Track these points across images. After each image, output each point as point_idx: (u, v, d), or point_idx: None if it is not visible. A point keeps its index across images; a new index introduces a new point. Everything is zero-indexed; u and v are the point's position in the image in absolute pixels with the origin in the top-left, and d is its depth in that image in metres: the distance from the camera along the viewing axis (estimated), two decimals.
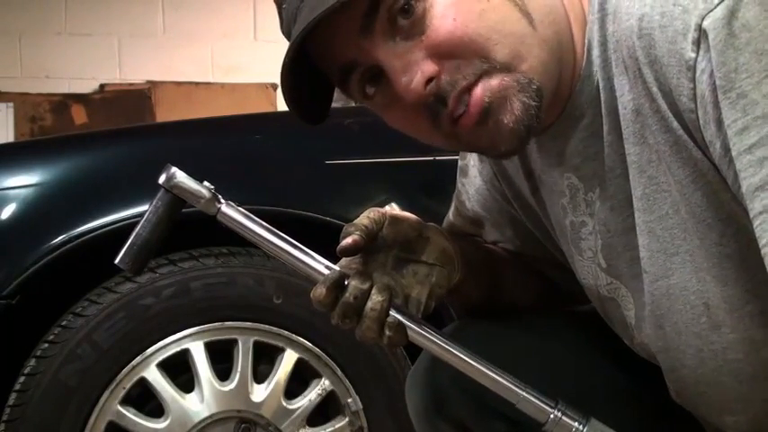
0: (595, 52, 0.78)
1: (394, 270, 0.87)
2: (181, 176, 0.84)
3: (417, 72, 0.74)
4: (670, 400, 0.91)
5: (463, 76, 0.75)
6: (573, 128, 0.82)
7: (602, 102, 0.79)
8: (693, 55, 0.67)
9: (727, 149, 0.67)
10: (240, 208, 0.86)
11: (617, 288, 0.89)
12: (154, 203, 0.84)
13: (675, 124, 0.71)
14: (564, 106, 0.82)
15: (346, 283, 0.83)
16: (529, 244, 1.03)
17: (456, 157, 1.07)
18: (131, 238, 0.84)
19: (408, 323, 0.84)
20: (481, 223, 1.05)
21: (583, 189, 0.86)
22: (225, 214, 0.85)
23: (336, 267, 0.85)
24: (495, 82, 0.75)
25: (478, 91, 0.75)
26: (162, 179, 0.84)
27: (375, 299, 0.83)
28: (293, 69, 0.77)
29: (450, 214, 1.08)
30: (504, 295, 1.04)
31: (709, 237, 0.74)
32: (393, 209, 0.91)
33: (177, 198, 0.84)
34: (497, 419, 0.96)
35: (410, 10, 0.74)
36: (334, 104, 0.86)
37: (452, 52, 0.74)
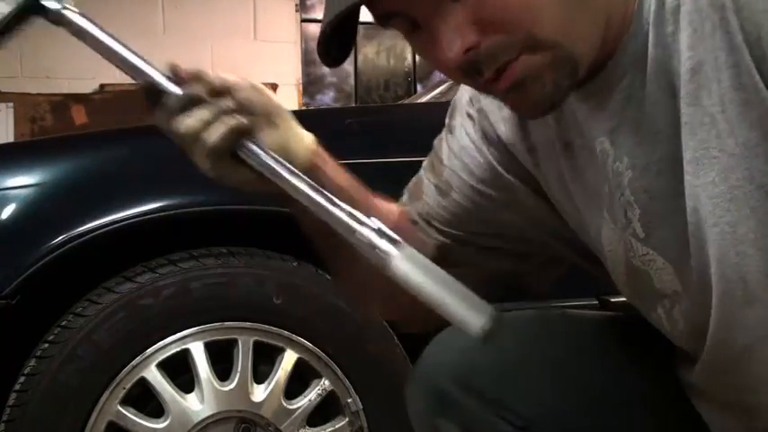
0: (650, 7, 0.75)
1: None
2: None
3: (458, 40, 0.72)
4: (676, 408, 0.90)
5: (505, 51, 0.73)
6: (611, 89, 0.79)
7: (651, 60, 0.76)
8: None
9: None
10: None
11: (652, 260, 0.84)
12: None
13: (756, 78, 0.68)
14: (604, 64, 0.79)
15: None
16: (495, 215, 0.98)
17: None
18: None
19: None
20: (447, 191, 1.01)
21: (612, 156, 0.82)
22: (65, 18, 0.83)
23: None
24: (535, 59, 0.73)
25: (516, 67, 0.73)
26: None
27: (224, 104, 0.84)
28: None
29: (432, 177, 1.05)
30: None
31: (765, 205, 0.71)
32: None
33: None
34: (500, 422, 0.96)
35: None
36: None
37: (498, 26, 0.72)
